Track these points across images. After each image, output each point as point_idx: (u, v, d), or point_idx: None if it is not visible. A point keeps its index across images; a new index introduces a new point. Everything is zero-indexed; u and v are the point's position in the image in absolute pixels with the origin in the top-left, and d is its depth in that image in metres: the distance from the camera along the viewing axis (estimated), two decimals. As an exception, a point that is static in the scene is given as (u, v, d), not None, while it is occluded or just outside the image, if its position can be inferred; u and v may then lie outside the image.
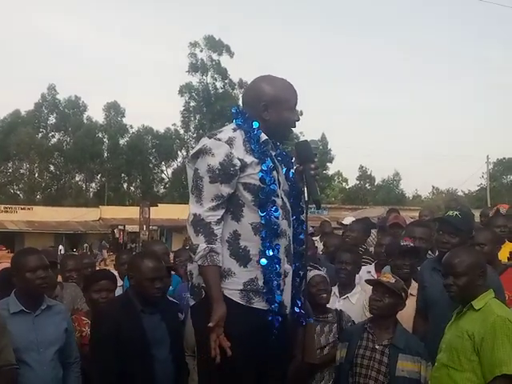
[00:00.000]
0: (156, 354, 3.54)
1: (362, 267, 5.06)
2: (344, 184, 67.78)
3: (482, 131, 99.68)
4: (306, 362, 3.43)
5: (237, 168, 2.79)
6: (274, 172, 2.90)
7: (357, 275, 4.83)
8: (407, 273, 4.23)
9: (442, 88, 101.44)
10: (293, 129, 3.04)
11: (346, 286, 4.56)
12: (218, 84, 57.24)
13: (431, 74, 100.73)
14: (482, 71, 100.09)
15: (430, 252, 4.93)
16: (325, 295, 4.07)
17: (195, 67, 55.91)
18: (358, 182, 66.45)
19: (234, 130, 2.91)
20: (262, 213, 2.81)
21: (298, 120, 2.99)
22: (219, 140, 2.83)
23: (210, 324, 2.66)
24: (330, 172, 63.17)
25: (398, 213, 7.40)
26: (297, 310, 3.05)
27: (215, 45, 55.32)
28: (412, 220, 6.76)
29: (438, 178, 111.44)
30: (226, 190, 2.78)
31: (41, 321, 3.56)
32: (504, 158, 61.71)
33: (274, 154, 3.00)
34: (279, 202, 2.89)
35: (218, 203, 2.78)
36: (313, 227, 9.19)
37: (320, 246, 6.51)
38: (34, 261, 3.54)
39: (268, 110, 2.90)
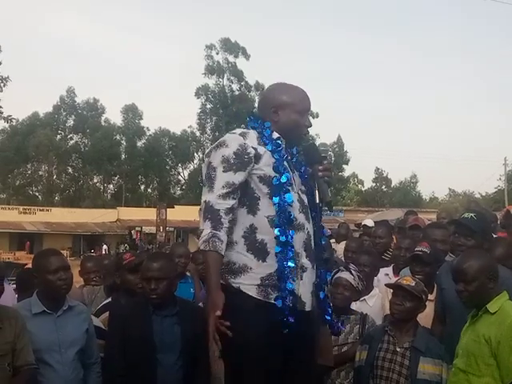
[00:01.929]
0: (161, 359, 3.47)
1: (380, 269, 5.04)
2: (360, 186, 67.50)
3: (501, 133, 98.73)
4: (320, 363, 3.40)
5: (251, 155, 2.82)
6: (287, 164, 2.92)
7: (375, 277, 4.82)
8: (421, 279, 4.18)
9: (460, 89, 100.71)
10: (304, 134, 3.06)
11: (364, 289, 4.53)
12: (234, 86, 57.43)
13: (449, 76, 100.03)
14: (500, 71, 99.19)
15: (450, 254, 4.89)
16: (339, 299, 4.02)
17: (211, 69, 56.12)
18: (374, 184, 66.15)
19: (247, 128, 2.98)
20: (276, 200, 2.80)
21: (309, 125, 3.02)
22: (233, 133, 2.91)
23: (207, 310, 2.65)
24: (346, 174, 63.06)
25: (416, 215, 7.35)
26: (328, 317, 3.04)
27: (231, 47, 55.49)
28: (429, 222, 6.70)
29: (455, 180, 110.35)
30: (238, 177, 2.79)
31: (62, 321, 3.57)
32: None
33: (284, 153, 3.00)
34: (294, 192, 2.89)
35: (228, 190, 2.77)
36: (330, 229, 9.18)
37: (338, 248, 6.49)
38: (55, 262, 3.55)
39: (278, 113, 2.96)
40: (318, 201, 2.93)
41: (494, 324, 3.05)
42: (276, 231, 2.78)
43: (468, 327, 3.24)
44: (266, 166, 2.84)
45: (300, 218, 2.88)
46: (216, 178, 2.80)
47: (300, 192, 2.96)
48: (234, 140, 2.85)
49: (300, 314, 2.83)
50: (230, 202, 2.77)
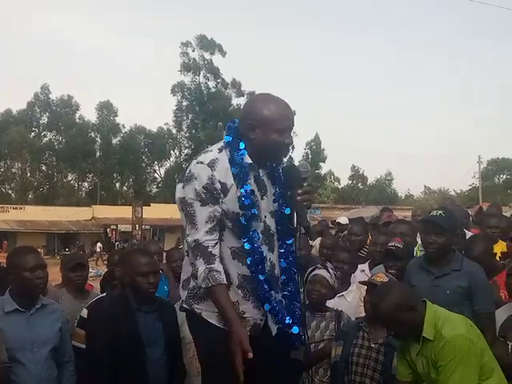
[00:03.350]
0: (149, 354, 3.53)
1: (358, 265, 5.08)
2: (336, 184, 67.92)
3: (475, 131, 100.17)
4: (291, 357, 3.42)
5: (218, 191, 2.77)
6: (255, 195, 2.85)
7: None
8: (395, 274, 4.24)
9: (434, 88, 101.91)
10: (285, 153, 2.95)
11: (342, 285, 4.57)
12: (211, 83, 57.27)
13: (423, 74, 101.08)
14: (475, 71, 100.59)
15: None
16: (315, 295, 4.05)
17: (187, 66, 55.87)
18: (350, 182, 66.62)
19: (220, 150, 2.86)
20: (244, 238, 2.80)
21: (290, 143, 2.85)
22: (201, 163, 2.80)
23: (232, 346, 2.65)
24: (323, 172, 63.35)
25: (391, 212, 7.44)
26: (295, 331, 2.97)
27: (207, 44, 55.29)
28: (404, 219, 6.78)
29: (430, 177, 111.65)
30: (217, 209, 2.78)
31: (35, 320, 3.54)
32: (497, 158, 62.08)
33: (263, 172, 2.92)
34: (260, 226, 2.87)
35: (212, 225, 2.77)
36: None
37: (314, 245, 6.52)
38: (32, 260, 3.53)
39: (255, 130, 2.81)
40: (295, 225, 2.88)
41: (436, 349, 3.09)
42: (251, 272, 2.81)
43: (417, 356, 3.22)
44: (230, 201, 2.79)
45: (263, 250, 2.86)
46: (195, 214, 2.77)
47: (268, 217, 2.92)
48: (202, 173, 2.77)
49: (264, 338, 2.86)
50: (216, 236, 2.78)
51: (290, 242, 2.99)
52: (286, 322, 2.88)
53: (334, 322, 4.04)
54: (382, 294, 3.21)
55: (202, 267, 2.73)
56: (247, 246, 2.80)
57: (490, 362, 3.12)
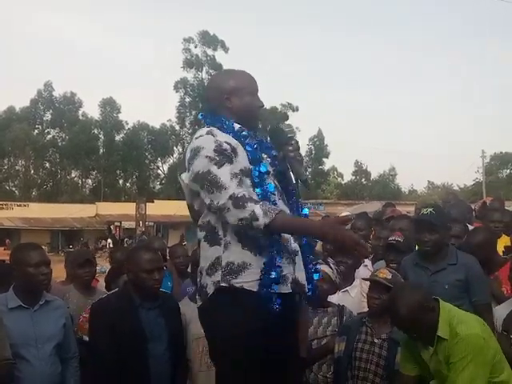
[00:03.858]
0: (152, 350, 3.53)
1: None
2: (339, 179, 67.82)
3: (479, 126, 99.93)
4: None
5: (229, 149, 2.75)
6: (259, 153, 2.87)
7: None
8: (396, 268, 4.25)
9: (437, 83, 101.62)
10: (258, 116, 3.02)
11: (346, 280, 4.56)
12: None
13: (427, 69, 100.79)
14: (477, 66, 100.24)
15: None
16: (318, 291, 4.05)
17: (190, 63, 55.85)
18: (353, 177, 66.52)
19: (208, 127, 2.87)
20: (259, 191, 2.74)
21: (262, 105, 3.00)
22: (200, 136, 2.80)
23: (331, 229, 2.54)
24: (326, 167, 63.31)
25: (394, 207, 7.43)
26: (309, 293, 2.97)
27: (210, 40, 55.24)
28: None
29: (433, 172, 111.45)
30: (236, 166, 2.72)
31: (39, 316, 3.55)
32: (501, 152, 61.92)
33: (252, 142, 2.92)
34: (272, 181, 2.85)
35: (238, 180, 2.68)
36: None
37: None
38: (36, 256, 3.53)
39: (230, 99, 2.92)
40: (294, 181, 2.90)
41: (449, 346, 3.09)
42: None
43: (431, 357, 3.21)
44: (242, 158, 2.78)
45: (280, 204, 2.83)
46: (217, 177, 2.66)
47: (273, 178, 2.91)
48: (207, 141, 2.75)
49: (292, 298, 2.83)
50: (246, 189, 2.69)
51: (292, 202, 2.97)
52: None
53: (336, 318, 4.04)
54: (401, 299, 3.14)
55: (255, 206, 2.56)
56: (265, 194, 2.73)
57: (501, 361, 3.15)
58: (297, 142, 2.95)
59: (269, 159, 2.95)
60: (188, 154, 2.83)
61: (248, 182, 2.76)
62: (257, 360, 2.73)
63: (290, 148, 2.89)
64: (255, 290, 2.71)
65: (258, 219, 2.56)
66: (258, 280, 2.71)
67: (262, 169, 2.80)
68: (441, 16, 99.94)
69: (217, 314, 2.76)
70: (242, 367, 2.72)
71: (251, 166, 2.79)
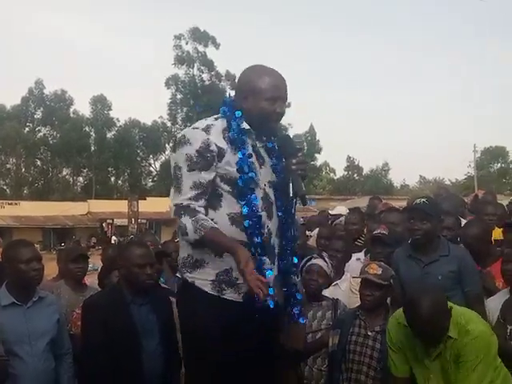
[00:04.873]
0: (145, 346, 3.52)
1: (352, 254, 5.10)
2: (332, 175, 67.95)
3: (470, 120, 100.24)
4: (291, 347, 3.44)
5: (214, 154, 2.74)
6: (253, 160, 2.84)
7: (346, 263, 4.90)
8: (383, 261, 4.26)
9: (437, 83, 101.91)
10: (275, 122, 2.89)
11: (336, 274, 4.58)
12: (205, 76, 57.09)
13: (417, 65, 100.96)
14: (477, 66, 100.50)
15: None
16: (312, 285, 4.06)
17: (181, 59, 55.65)
18: (345, 173, 66.66)
19: (216, 118, 2.88)
20: (242, 201, 2.77)
21: (280, 112, 2.85)
22: (196, 128, 2.81)
23: (241, 266, 2.54)
24: (318, 163, 63.37)
25: (380, 200, 7.52)
26: (293, 309, 3.01)
27: (200, 36, 55.07)
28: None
29: (425, 167, 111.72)
30: (205, 176, 2.74)
31: (32, 313, 3.55)
32: (491, 147, 62.18)
33: (260, 145, 2.94)
34: (259, 191, 2.84)
35: (198, 192, 2.73)
36: (303, 218, 9.21)
37: (312, 235, 6.51)
38: (27, 252, 3.54)
39: (247, 99, 2.84)
40: (291, 194, 2.84)
41: (460, 345, 3.08)
42: (247, 236, 2.77)
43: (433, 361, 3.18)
44: (227, 164, 2.77)
45: (263, 216, 2.84)
46: (182, 178, 2.75)
47: (267, 186, 2.91)
48: (196, 136, 2.76)
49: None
50: (202, 203, 2.75)
51: (288, 214, 2.97)
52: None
53: (330, 311, 4.05)
54: (426, 302, 3.01)
55: (188, 221, 2.68)
56: (245, 209, 2.77)
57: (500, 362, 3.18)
58: (304, 155, 2.91)
59: (271, 167, 2.96)
60: (182, 133, 2.85)
61: (227, 188, 2.79)
62: (208, 357, 2.79)
63: (294, 161, 2.83)
64: (206, 289, 2.79)
65: (187, 234, 2.71)
66: (211, 281, 2.79)
67: (248, 179, 2.79)
68: (441, 16, 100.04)
69: (179, 307, 2.97)
70: (193, 364, 2.88)
71: (235, 174, 2.78)
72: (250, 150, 2.85)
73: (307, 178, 2.92)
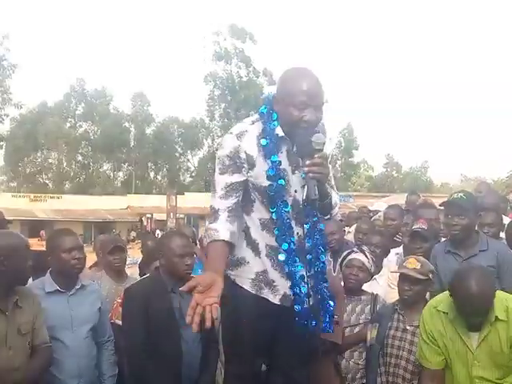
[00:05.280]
0: (184, 334, 3.55)
1: (391, 249, 5.06)
2: (370, 172, 67.28)
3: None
4: (329, 340, 3.45)
5: (243, 161, 2.77)
6: (285, 167, 2.82)
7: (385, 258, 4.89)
8: (422, 256, 4.21)
9: (467, 75, 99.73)
10: (303, 129, 2.69)
11: (376, 270, 4.56)
12: (242, 72, 57.14)
13: (461, 64, 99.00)
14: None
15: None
16: (353, 279, 4.06)
17: (219, 56, 55.84)
18: (384, 170, 65.93)
19: (253, 122, 2.86)
20: (273, 209, 2.81)
21: (310, 120, 2.68)
22: (231, 133, 2.84)
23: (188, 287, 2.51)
24: (356, 160, 62.85)
25: (418, 196, 7.45)
26: (325, 326, 3.02)
27: (238, 33, 55.16)
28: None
29: (467, 165, 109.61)
30: (234, 178, 2.78)
31: (75, 300, 3.63)
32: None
33: (295, 149, 2.82)
34: (289, 200, 2.84)
35: (227, 191, 2.78)
36: (341, 214, 9.15)
37: (351, 230, 6.49)
38: (69, 241, 3.62)
39: (279, 102, 2.78)
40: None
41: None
42: (277, 241, 2.83)
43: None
44: (258, 173, 2.79)
45: (292, 224, 2.87)
46: (215, 179, 2.84)
47: (299, 191, 2.85)
48: (228, 142, 2.81)
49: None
50: (230, 202, 2.77)
51: (316, 219, 2.96)
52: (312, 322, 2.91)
53: (369, 306, 4.04)
54: (477, 281, 2.98)
55: (211, 226, 2.76)
56: (275, 217, 2.81)
57: None
58: (323, 156, 2.66)
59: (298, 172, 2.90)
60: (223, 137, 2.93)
61: (258, 196, 2.84)
62: (248, 352, 2.90)
63: (308, 163, 2.63)
64: (245, 287, 2.89)
65: (208, 236, 2.78)
66: (251, 280, 2.89)
67: (278, 186, 2.79)
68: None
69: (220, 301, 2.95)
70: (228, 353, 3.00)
71: (265, 183, 2.79)
72: (282, 155, 2.83)
73: (323, 180, 2.73)
